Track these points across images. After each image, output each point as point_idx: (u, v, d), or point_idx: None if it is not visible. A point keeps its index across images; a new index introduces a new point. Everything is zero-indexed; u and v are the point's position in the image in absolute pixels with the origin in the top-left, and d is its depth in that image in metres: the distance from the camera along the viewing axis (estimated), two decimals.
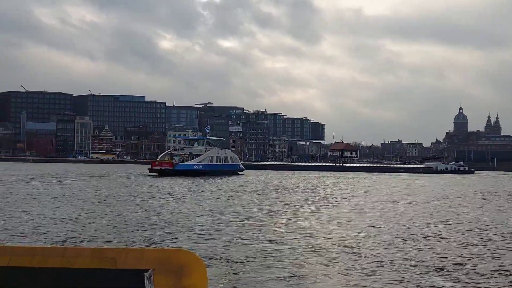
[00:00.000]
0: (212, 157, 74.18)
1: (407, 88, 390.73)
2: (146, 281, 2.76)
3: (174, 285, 2.77)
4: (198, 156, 72.11)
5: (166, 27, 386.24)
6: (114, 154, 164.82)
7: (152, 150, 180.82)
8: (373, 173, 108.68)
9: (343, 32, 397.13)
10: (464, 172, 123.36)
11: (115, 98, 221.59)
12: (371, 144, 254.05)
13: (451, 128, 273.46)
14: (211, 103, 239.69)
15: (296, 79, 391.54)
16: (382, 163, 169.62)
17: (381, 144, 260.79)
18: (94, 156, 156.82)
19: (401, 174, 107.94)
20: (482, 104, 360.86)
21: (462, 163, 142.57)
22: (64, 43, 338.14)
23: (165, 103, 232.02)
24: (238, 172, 79.91)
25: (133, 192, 34.84)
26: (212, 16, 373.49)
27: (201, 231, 17.11)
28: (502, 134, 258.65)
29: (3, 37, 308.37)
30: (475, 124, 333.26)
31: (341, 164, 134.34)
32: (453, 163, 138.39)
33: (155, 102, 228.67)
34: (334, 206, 28.39)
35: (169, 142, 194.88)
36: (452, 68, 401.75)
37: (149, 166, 70.68)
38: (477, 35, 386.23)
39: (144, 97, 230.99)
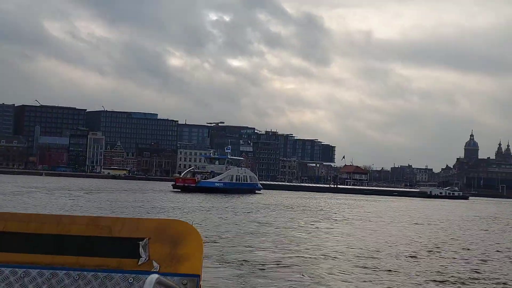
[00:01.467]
0: (233, 176, 78.33)
1: (417, 113, 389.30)
2: (141, 249, 2.83)
3: (170, 254, 2.82)
4: (219, 174, 76.04)
5: (175, 44, 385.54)
6: (126, 170, 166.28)
7: (163, 167, 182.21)
8: (366, 195, 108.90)
9: (353, 54, 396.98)
10: (458, 197, 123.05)
11: (128, 114, 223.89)
12: (381, 168, 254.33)
13: (461, 154, 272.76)
14: (223, 122, 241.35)
15: (305, 100, 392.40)
16: (391, 187, 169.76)
17: (391, 168, 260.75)
18: (106, 171, 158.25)
19: (395, 197, 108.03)
20: (493, 131, 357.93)
21: (456, 188, 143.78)
22: (74, 57, 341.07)
23: (177, 121, 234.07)
24: (256, 191, 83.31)
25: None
26: (222, 34, 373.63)
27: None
28: None
29: (16, 49, 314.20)
30: (486, 151, 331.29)
31: (335, 186, 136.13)
32: (447, 188, 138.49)
33: (167, 119, 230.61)
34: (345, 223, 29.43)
35: (180, 160, 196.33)
36: (462, 94, 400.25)
37: (172, 182, 75.77)
38: (488, 61, 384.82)
39: (157, 114, 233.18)
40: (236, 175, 79.51)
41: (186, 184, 71.38)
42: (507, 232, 33.31)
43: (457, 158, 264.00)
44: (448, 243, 23.83)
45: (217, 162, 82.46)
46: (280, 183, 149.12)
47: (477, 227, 36.26)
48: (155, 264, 2.79)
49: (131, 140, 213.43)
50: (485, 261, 18.43)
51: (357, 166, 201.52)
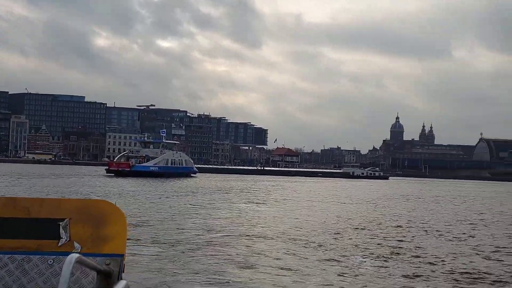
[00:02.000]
0: (168, 160, 78.14)
1: (347, 96, 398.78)
2: (61, 230, 2.75)
3: (93, 235, 2.76)
4: (154, 158, 75.72)
5: (102, 24, 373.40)
6: (51, 154, 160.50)
7: (91, 151, 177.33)
8: (293, 176, 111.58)
9: (284, 37, 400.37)
10: (379, 177, 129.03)
11: (54, 97, 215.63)
12: (311, 150, 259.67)
13: (388, 136, 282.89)
14: (154, 105, 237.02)
15: (237, 83, 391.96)
16: (321, 168, 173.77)
17: (321, 150, 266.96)
18: (30, 156, 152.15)
19: (319, 178, 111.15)
20: (418, 113, 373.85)
21: (377, 168, 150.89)
22: None
23: (105, 103, 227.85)
24: (192, 175, 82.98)
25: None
26: (150, 15, 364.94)
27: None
28: (435, 143, 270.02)
29: None
30: (411, 133, 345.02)
31: (262, 168, 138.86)
32: (369, 168, 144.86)
33: (95, 102, 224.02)
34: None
35: (109, 144, 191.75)
36: (390, 78, 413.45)
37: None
38: (415, 45, 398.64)
39: (84, 97, 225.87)
40: (172, 159, 79.30)
41: (120, 169, 70.30)
42: (414, 208, 34.82)
43: (383, 140, 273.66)
44: (368, 220, 24.70)
45: (151, 146, 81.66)
46: (214, 166, 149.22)
47: (396, 204, 37.85)
48: (76, 245, 2.74)
49: (57, 124, 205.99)
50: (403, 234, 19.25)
51: (288, 149, 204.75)
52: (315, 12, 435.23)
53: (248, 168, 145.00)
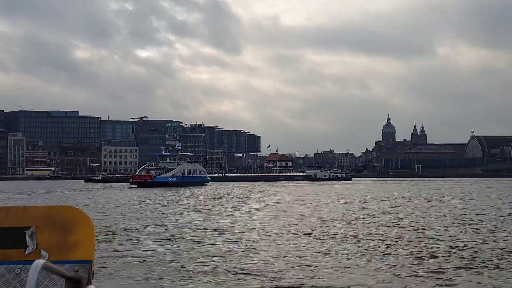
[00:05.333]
0: (184, 170, 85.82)
1: (333, 99, 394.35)
2: (27, 239, 2.69)
3: (60, 242, 2.71)
4: (171, 169, 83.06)
5: (78, 35, 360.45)
6: (50, 170, 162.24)
7: (88, 165, 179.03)
8: (255, 182, 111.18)
9: (263, 41, 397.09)
10: (342, 179, 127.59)
11: (48, 113, 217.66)
12: (305, 155, 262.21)
13: (380, 137, 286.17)
14: (147, 117, 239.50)
15: (222, 90, 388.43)
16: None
17: (315, 154, 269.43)
18: (30, 173, 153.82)
19: (281, 182, 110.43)
20: (409, 113, 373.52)
21: (340, 170, 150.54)
22: None
23: (99, 117, 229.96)
24: (205, 183, 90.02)
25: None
26: (126, 24, 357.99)
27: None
28: (427, 142, 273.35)
29: None
30: (403, 134, 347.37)
31: (223, 174, 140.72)
32: (331, 170, 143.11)
33: (89, 117, 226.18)
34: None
35: (105, 157, 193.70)
36: (374, 78, 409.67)
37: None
38: (395, 44, 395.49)
39: (78, 112, 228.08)
40: (187, 170, 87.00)
41: (143, 180, 77.42)
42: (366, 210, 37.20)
43: (375, 142, 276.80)
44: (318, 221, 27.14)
45: (168, 158, 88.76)
46: (232, 174, 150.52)
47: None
48: (43, 252, 2.70)
49: (52, 140, 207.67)
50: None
51: (282, 154, 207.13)
52: (290, 15, 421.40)
53: (252, 175, 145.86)
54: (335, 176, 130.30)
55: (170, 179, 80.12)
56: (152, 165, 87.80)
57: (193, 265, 13.33)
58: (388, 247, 16.31)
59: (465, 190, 67.63)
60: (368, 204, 39.07)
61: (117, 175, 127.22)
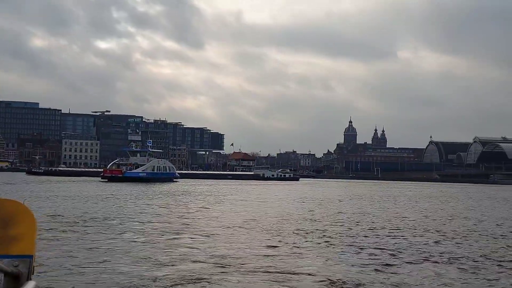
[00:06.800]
0: (154, 166, 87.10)
1: (296, 99, 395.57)
2: None
3: (0, 236, 2.63)
4: (142, 165, 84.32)
5: (34, 23, 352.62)
6: (8, 162, 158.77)
7: (48, 158, 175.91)
8: (205, 179, 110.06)
9: (227, 38, 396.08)
10: (289, 179, 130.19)
11: (7, 104, 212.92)
12: (267, 154, 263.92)
13: (342, 139, 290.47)
14: (109, 111, 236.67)
15: (185, 86, 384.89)
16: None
17: (277, 154, 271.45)
18: None
19: (229, 180, 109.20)
20: (370, 116, 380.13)
21: (288, 170, 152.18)
22: None
23: (60, 110, 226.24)
24: (174, 180, 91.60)
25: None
26: (85, 14, 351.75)
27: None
28: (387, 146, 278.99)
29: None
30: (364, 137, 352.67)
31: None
32: (280, 170, 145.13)
33: (49, 109, 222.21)
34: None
35: (65, 150, 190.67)
36: (336, 80, 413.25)
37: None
38: (359, 47, 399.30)
39: (38, 103, 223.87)
40: (157, 166, 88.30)
41: (113, 175, 78.53)
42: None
43: (337, 144, 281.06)
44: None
45: (138, 154, 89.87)
46: (194, 172, 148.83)
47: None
48: None
49: (11, 131, 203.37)
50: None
51: (245, 153, 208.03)
52: (254, 12, 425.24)
53: (201, 172, 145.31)
54: (282, 176, 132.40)
55: (140, 174, 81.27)
56: (122, 160, 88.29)
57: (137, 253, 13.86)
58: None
59: (401, 193, 69.76)
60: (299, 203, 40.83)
61: (60, 168, 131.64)
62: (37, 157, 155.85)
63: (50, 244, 15.18)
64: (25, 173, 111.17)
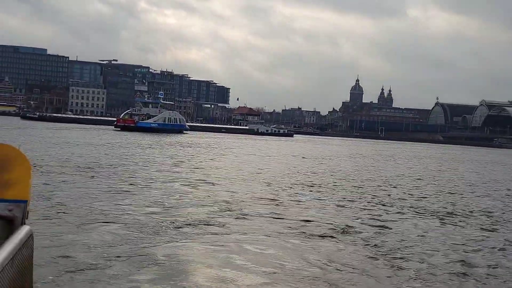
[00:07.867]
0: (165, 118, 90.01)
1: (302, 55, 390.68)
2: None
3: None
4: (153, 116, 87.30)
5: None
6: (16, 107, 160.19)
7: (55, 104, 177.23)
8: (201, 132, 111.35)
9: None
10: (283, 135, 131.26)
11: (16, 48, 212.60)
12: (273, 110, 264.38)
13: (348, 98, 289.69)
14: (116, 60, 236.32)
15: (189, 37, 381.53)
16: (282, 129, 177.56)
17: (282, 110, 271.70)
18: None
19: (223, 134, 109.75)
20: (378, 75, 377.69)
21: (283, 126, 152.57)
22: None
23: (68, 57, 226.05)
24: (184, 131, 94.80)
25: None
26: None
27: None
28: (393, 106, 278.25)
29: None
30: (371, 96, 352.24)
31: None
32: (274, 125, 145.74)
33: (57, 55, 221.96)
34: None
35: (72, 98, 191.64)
36: (344, 37, 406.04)
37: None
38: (367, 2, 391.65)
39: (46, 49, 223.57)
40: (168, 117, 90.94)
41: (126, 124, 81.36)
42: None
43: (342, 102, 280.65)
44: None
45: (150, 105, 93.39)
46: (203, 124, 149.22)
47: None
48: None
49: (19, 76, 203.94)
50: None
51: (250, 108, 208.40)
52: None
53: (196, 125, 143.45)
54: (276, 132, 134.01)
55: (152, 125, 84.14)
56: (135, 111, 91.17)
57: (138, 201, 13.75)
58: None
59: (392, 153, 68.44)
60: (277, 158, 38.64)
61: (54, 114, 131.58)
62: (44, 105, 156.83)
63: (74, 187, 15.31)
64: (19, 117, 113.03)
